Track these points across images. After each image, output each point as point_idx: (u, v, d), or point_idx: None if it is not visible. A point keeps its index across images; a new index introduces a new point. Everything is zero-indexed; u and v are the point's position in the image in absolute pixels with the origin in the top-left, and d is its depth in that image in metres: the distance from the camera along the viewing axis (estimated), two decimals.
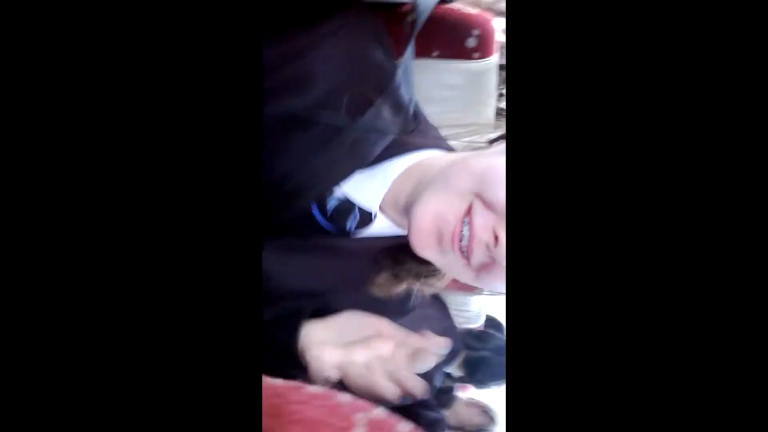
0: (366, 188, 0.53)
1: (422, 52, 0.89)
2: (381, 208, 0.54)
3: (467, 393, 1.68)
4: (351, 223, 0.54)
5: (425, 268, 0.57)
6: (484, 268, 0.46)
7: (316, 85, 0.50)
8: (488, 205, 0.44)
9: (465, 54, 0.88)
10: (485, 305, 1.60)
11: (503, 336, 1.55)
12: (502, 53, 1.20)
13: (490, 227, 0.44)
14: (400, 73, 0.54)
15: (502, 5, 1.18)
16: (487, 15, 0.89)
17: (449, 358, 1.27)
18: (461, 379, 1.45)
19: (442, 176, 0.48)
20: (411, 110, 0.56)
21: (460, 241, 0.45)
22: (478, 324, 1.53)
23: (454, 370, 1.40)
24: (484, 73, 0.91)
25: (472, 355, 1.39)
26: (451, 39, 0.87)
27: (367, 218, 0.54)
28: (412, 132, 0.55)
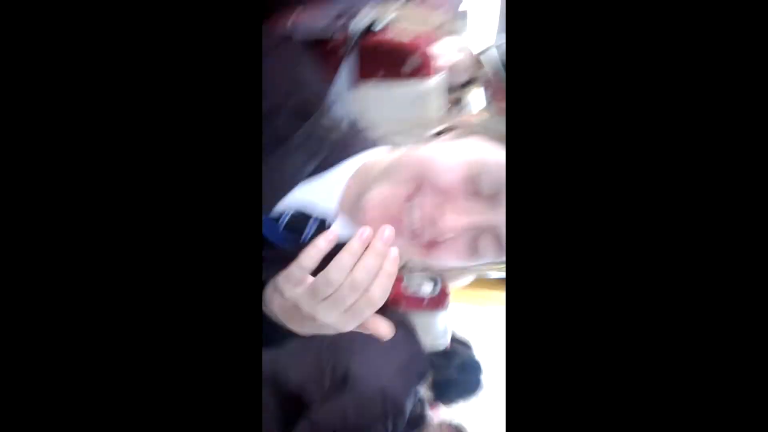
0: (319, 196, 0.55)
1: (366, 77, 0.90)
2: (339, 211, 0.56)
3: (437, 411, 1.67)
4: (308, 232, 0.55)
5: None
6: (433, 245, 0.48)
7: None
8: (434, 187, 0.47)
9: (408, 75, 0.89)
10: (450, 323, 1.60)
11: (470, 351, 1.55)
12: (453, 72, 1.23)
13: (435, 205, 0.47)
14: (333, 92, 0.57)
15: (449, 25, 1.21)
16: (428, 36, 0.92)
17: (418, 380, 1.26)
18: (430, 400, 1.43)
19: (387, 167, 0.51)
20: (346, 122, 0.59)
21: (408, 222, 0.48)
22: (444, 342, 1.52)
23: (424, 391, 1.38)
24: (430, 93, 0.92)
25: (439, 375, 1.38)
26: (393, 62, 0.88)
27: (323, 225, 0.55)
28: (350, 135, 0.57)
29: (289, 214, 0.54)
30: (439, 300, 1.45)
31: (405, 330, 1.35)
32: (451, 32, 1.18)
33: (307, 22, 0.88)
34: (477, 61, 1.22)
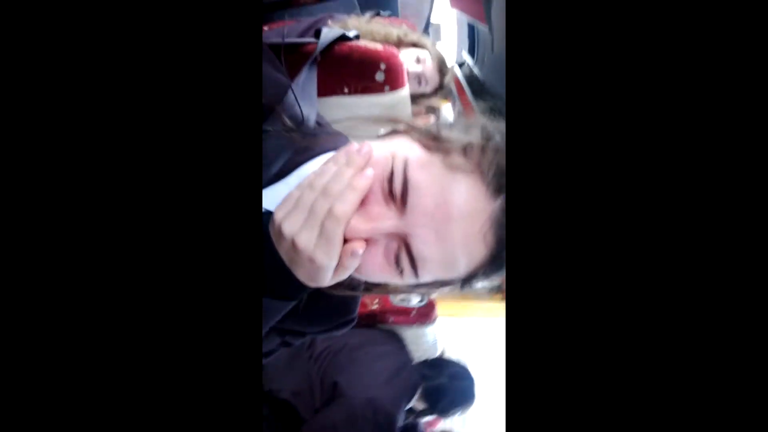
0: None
1: (333, 91, 0.93)
2: None
3: (437, 427, 1.65)
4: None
5: None
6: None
7: None
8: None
9: (375, 88, 0.92)
10: (440, 334, 1.60)
11: (459, 361, 1.55)
12: (418, 81, 1.25)
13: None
14: (296, 89, 0.57)
15: (414, 37, 1.25)
16: (393, 49, 0.94)
17: (409, 390, 1.25)
18: (424, 412, 1.42)
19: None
20: (312, 122, 0.59)
21: None
22: (435, 354, 1.52)
23: (416, 403, 1.37)
24: (396, 104, 0.94)
25: (430, 385, 1.37)
26: (359, 75, 0.90)
27: None
28: (316, 134, 0.58)
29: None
30: (426, 311, 1.46)
31: (394, 342, 1.36)
32: (414, 44, 1.22)
33: (278, 30, 0.91)
34: (440, 72, 1.25)
